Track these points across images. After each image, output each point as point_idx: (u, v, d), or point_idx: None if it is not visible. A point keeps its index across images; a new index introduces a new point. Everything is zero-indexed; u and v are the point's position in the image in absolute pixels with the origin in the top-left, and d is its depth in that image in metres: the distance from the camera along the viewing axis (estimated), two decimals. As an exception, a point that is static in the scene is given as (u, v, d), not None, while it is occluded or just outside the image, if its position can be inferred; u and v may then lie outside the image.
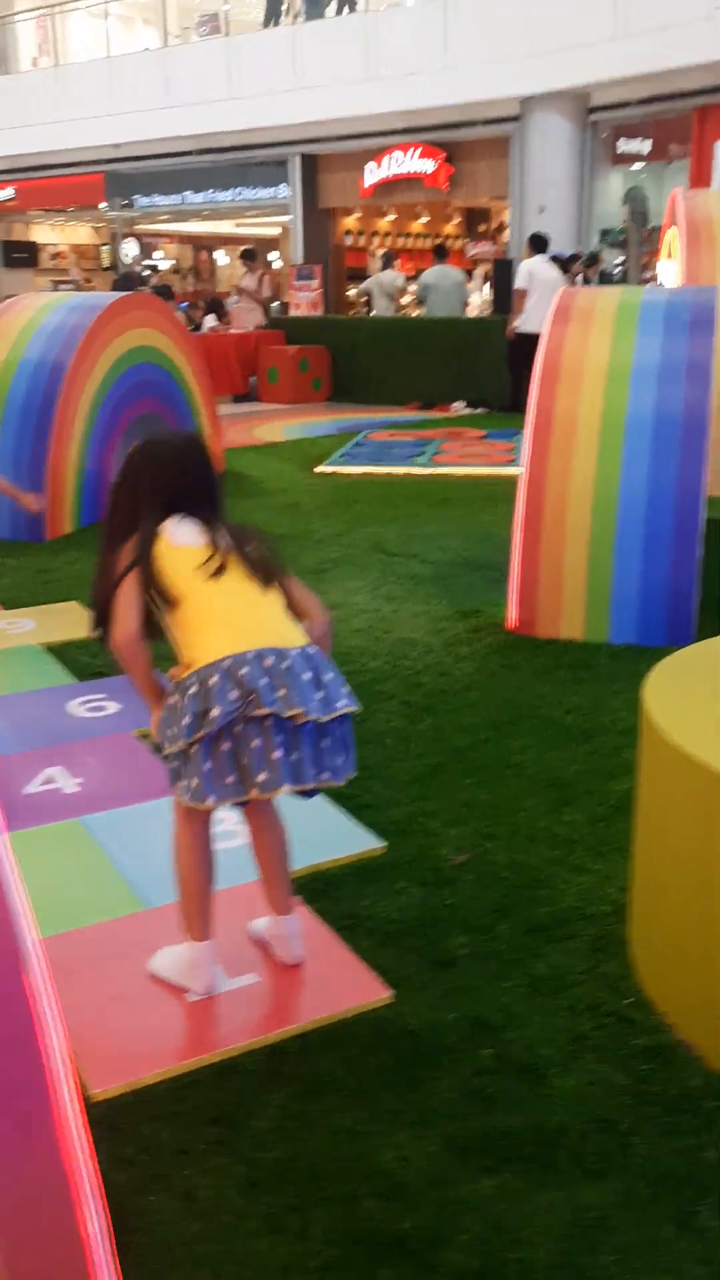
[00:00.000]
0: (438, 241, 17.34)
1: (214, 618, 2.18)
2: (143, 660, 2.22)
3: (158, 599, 2.21)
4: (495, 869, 2.85)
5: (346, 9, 15.91)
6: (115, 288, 14.40)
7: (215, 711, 2.07)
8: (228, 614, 2.19)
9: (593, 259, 13.41)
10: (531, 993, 2.37)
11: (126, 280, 15.32)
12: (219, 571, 2.19)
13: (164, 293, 13.57)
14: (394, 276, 14.44)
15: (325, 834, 2.96)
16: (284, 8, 16.52)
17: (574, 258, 12.51)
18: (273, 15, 16.56)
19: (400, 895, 2.73)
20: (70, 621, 4.88)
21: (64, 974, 2.38)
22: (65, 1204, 1.40)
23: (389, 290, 14.30)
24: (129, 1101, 2.07)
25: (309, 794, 2.25)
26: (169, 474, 2.28)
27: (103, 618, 2.26)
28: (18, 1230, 1.35)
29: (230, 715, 2.07)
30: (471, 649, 4.49)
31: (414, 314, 15.00)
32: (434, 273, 13.79)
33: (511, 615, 4.70)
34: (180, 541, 2.22)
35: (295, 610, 2.30)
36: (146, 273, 16.68)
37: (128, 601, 2.20)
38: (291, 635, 2.21)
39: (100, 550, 2.31)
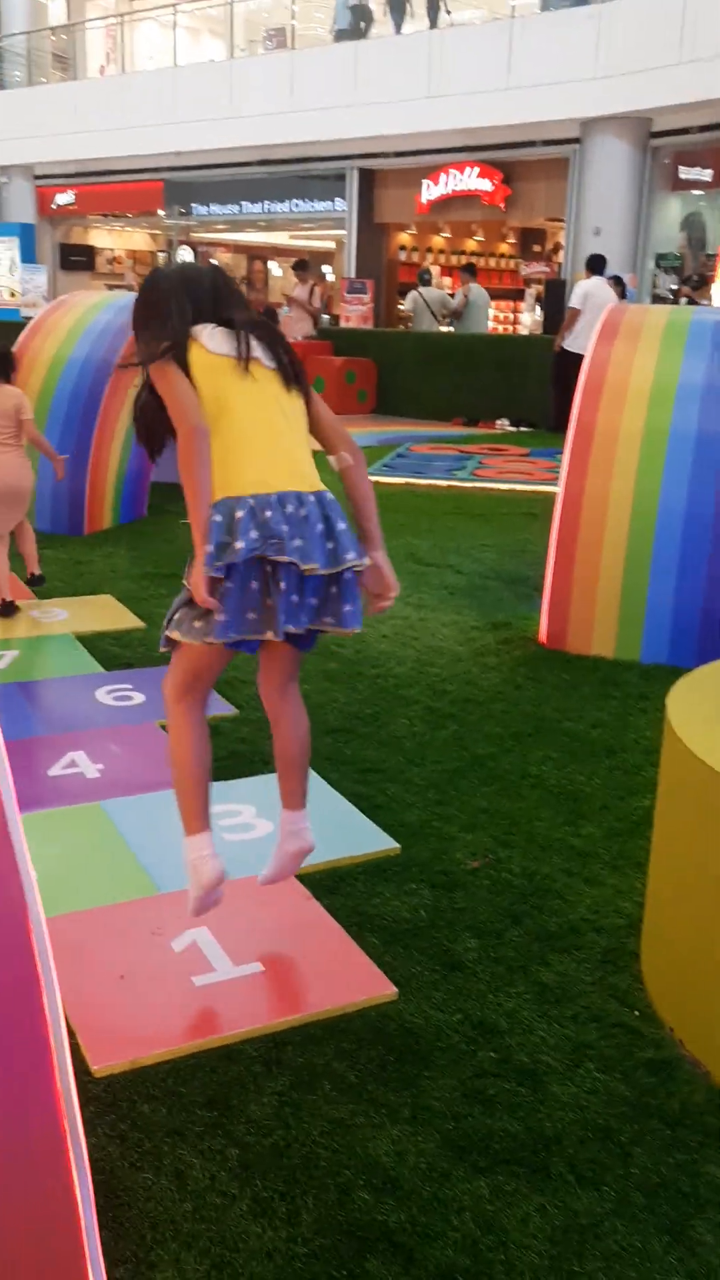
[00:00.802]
0: (466, 260, 17.50)
1: (243, 439, 2.16)
2: (206, 465, 2.13)
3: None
4: (508, 876, 2.84)
5: (427, 23, 16.01)
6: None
7: (240, 545, 2.08)
8: (256, 439, 2.16)
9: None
10: (537, 999, 2.35)
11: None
12: (249, 378, 2.17)
13: None
14: (435, 293, 14.61)
15: (340, 832, 2.96)
16: (360, 24, 16.62)
17: (617, 279, 12.48)
18: (361, 21, 16.64)
19: (411, 896, 2.72)
20: (102, 613, 4.93)
21: (73, 951, 2.40)
22: (56, 1167, 1.41)
23: (432, 307, 14.43)
24: (128, 1080, 2.08)
25: (310, 641, 2.27)
26: (196, 288, 2.25)
27: (146, 435, 2.26)
28: (4, 1188, 1.36)
29: (251, 553, 2.08)
30: (499, 660, 4.48)
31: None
32: (474, 290, 14.22)
33: (542, 629, 4.68)
34: (214, 348, 2.18)
35: (322, 436, 2.30)
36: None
37: (184, 390, 2.14)
38: (311, 474, 2.21)
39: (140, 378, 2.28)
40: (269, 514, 2.11)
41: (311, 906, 2.62)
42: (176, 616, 2.22)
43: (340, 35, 17.09)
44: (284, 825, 2.48)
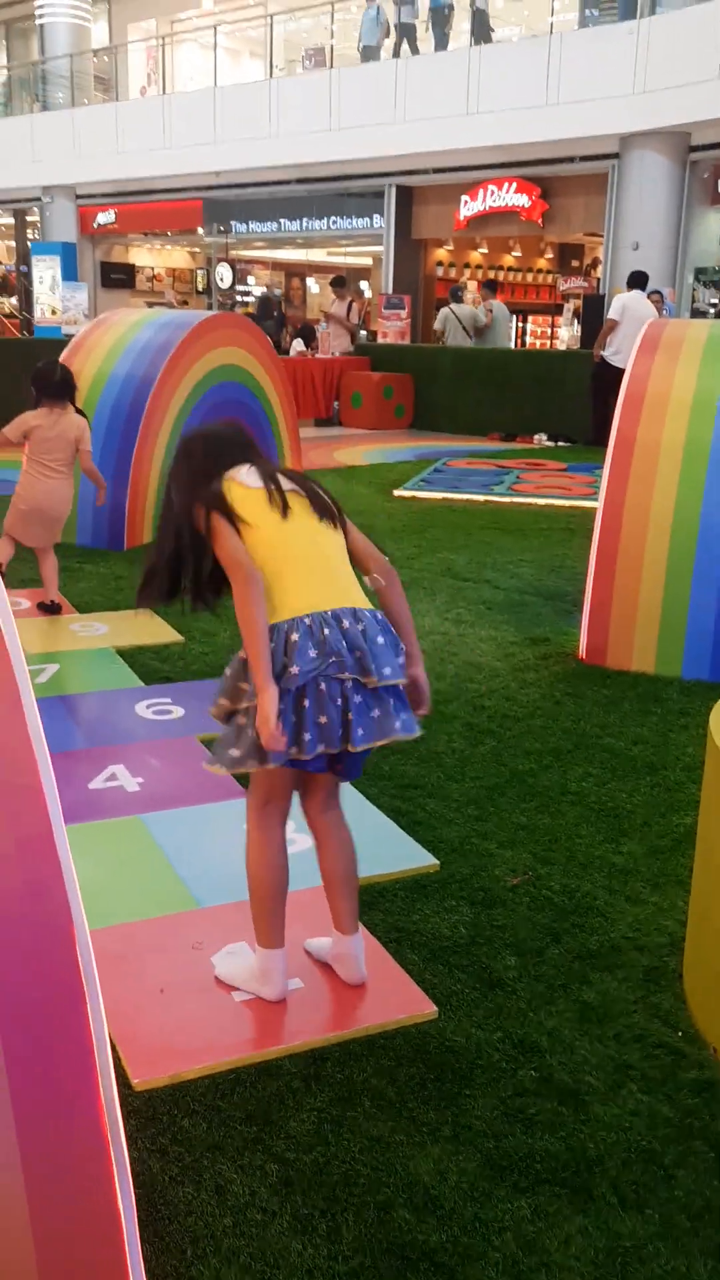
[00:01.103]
0: (489, 276, 17.63)
1: (290, 565, 2.18)
2: (263, 610, 2.13)
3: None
4: (549, 894, 2.82)
5: (468, 40, 16.10)
6: (257, 311, 15.21)
7: (295, 669, 2.09)
8: (304, 562, 2.19)
9: None
10: (579, 1019, 2.33)
11: (264, 305, 15.88)
12: (287, 511, 2.19)
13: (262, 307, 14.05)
14: (467, 310, 14.78)
15: (379, 847, 2.96)
16: (403, 40, 16.70)
17: (657, 293, 12.43)
18: (404, 38, 16.73)
19: (451, 913, 2.71)
20: (141, 627, 4.97)
21: (114, 965, 2.41)
22: (99, 1180, 1.42)
23: (464, 323, 14.58)
24: (169, 1094, 2.08)
25: (358, 767, 2.28)
26: (222, 444, 2.31)
27: (149, 581, 2.28)
28: (49, 1198, 1.37)
29: (309, 674, 2.10)
30: (538, 675, 4.46)
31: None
32: (496, 306, 14.63)
33: (582, 644, 4.66)
34: (250, 483, 2.22)
35: (356, 558, 2.31)
36: (277, 294, 17.11)
37: (234, 542, 2.16)
38: (357, 594, 2.23)
39: (160, 529, 2.31)
40: (327, 632, 2.12)
41: (351, 922, 2.61)
42: (217, 750, 2.23)
43: (367, 53, 17.22)
44: (334, 948, 2.42)
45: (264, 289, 17.60)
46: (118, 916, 2.62)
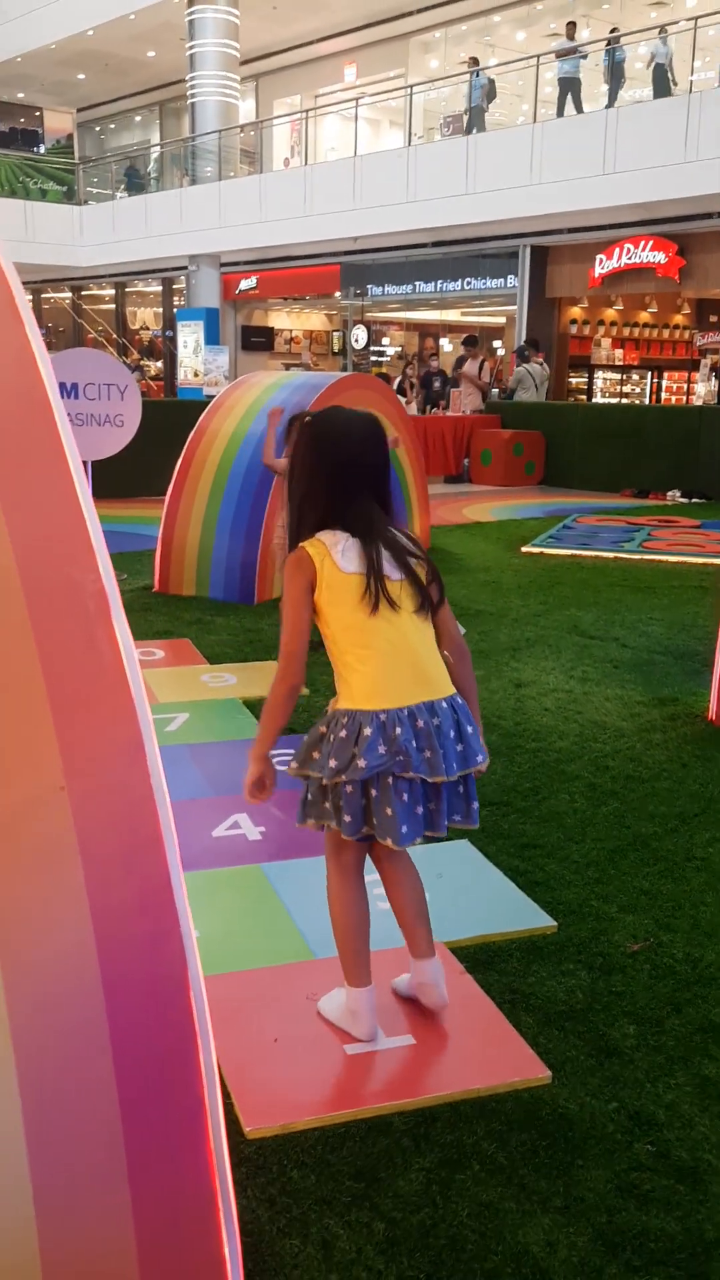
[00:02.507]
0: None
1: (373, 656, 2.19)
2: (289, 707, 2.26)
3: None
4: (670, 962, 2.74)
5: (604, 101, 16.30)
6: (423, 379, 16.08)
7: (362, 764, 2.15)
8: (387, 656, 2.19)
9: None
10: (699, 1093, 2.26)
11: (429, 377, 16.49)
12: (377, 608, 2.19)
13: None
14: (536, 368, 15.57)
15: (495, 906, 2.94)
16: (567, 95, 17.00)
17: None
18: (568, 92, 17.07)
19: (568, 977, 2.67)
20: (269, 679, 5.05)
21: (230, 1012, 2.45)
22: (207, 1226, 1.44)
23: (536, 380, 15.41)
24: (279, 1144, 2.10)
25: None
26: (343, 469, 2.23)
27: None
28: (158, 1243, 1.40)
29: (375, 770, 2.15)
30: (665, 737, 4.37)
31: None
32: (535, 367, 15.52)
33: (712, 706, 4.55)
34: (346, 568, 2.20)
35: (439, 635, 2.31)
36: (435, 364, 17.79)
37: (302, 620, 2.21)
38: (441, 681, 2.24)
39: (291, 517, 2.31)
40: (399, 731, 2.16)
41: (465, 981, 2.60)
42: (306, 798, 2.32)
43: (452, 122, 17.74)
44: (415, 976, 2.45)
45: (434, 364, 18.12)
46: (235, 964, 2.67)
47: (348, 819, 2.21)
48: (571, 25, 17.89)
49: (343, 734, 2.18)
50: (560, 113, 16.86)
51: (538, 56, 17.19)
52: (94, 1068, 1.36)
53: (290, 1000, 2.53)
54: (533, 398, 15.27)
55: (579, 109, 16.76)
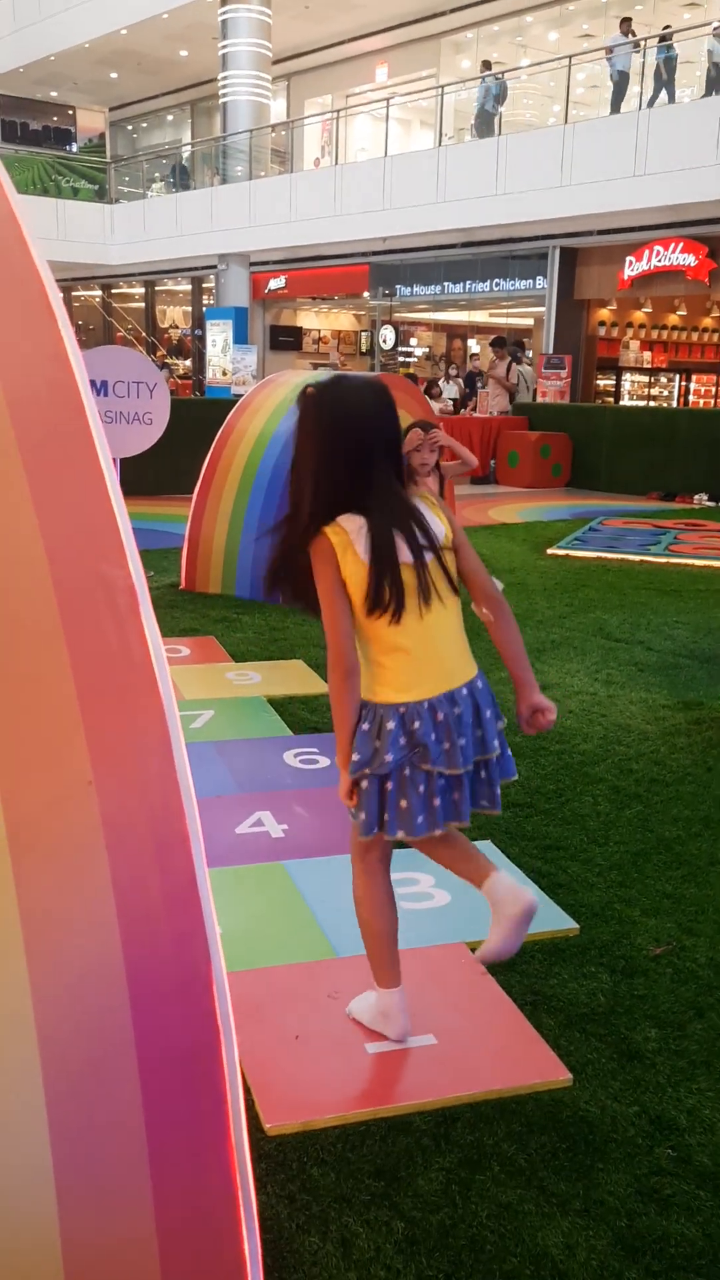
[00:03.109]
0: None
1: (393, 646, 2.15)
2: (354, 696, 2.17)
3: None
4: (693, 966, 2.73)
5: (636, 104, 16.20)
6: (467, 379, 16.56)
7: (388, 757, 2.14)
8: (409, 644, 2.14)
9: None
10: (721, 1099, 2.25)
11: (471, 376, 16.78)
12: (402, 607, 2.12)
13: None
14: (529, 370, 16.05)
15: (519, 908, 2.93)
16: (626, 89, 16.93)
17: None
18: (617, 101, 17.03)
19: (590, 979, 2.66)
20: (293, 677, 5.08)
21: (252, 1009, 2.46)
22: (227, 1222, 1.45)
23: (528, 382, 15.85)
24: (299, 1141, 2.10)
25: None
26: (359, 438, 2.11)
27: (276, 577, 2.22)
28: (179, 1237, 1.41)
29: (398, 763, 2.14)
30: (690, 740, 4.35)
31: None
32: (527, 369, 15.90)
33: (737, 711, 4.52)
34: (367, 558, 2.10)
35: (466, 585, 2.24)
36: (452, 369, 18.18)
37: (340, 612, 2.11)
38: (461, 668, 2.21)
39: (289, 504, 2.18)
40: (418, 725, 2.14)
41: (486, 982, 2.60)
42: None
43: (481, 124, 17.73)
44: (489, 895, 2.24)
45: (471, 365, 18.34)
46: (257, 961, 2.68)
47: (363, 816, 2.20)
48: (626, 21, 17.72)
49: (365, 726, 2.17)
50: (615, 109, 16.77)
51: (569, 57, 17.12)
52: (118, 1063, 1.37)
53: (312, 998, 2.53)
54: (523, 399, 15.52)
55: (662, 97, 16.43)
